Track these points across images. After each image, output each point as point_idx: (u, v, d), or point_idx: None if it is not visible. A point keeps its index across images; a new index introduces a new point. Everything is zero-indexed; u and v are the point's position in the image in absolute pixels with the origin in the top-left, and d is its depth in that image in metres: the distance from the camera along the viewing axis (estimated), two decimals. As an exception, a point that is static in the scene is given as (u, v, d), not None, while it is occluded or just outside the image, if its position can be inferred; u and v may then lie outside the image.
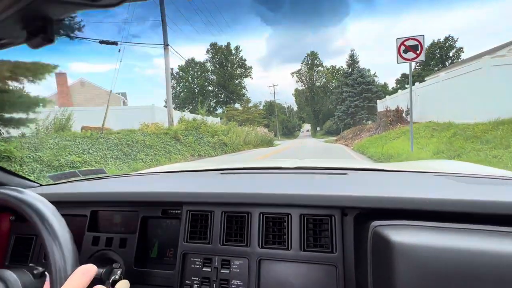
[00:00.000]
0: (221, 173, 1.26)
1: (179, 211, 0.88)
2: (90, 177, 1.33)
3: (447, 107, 10.37)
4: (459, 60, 36.97)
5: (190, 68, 55.20)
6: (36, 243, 0.97)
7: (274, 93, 59.60)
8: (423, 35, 6.44)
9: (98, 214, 0.97)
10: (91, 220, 0.95)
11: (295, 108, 78.10)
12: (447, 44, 43.24)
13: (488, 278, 0.45)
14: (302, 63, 62.67)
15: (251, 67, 56.96)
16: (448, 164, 1.62)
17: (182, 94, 53.94)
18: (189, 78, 55.14)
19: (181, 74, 54.91)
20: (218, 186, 0.97)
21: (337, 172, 1.10)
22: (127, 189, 1.00)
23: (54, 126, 8.56)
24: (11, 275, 0.55)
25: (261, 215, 0.79)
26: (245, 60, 56.74)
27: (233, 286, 0.75)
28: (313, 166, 1.30)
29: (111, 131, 10.10)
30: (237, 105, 55.74)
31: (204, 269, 0.79)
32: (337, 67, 60.61)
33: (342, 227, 0.73)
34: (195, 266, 0.80)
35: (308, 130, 78.59)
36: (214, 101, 55.85)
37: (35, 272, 0.58)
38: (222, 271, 0.77)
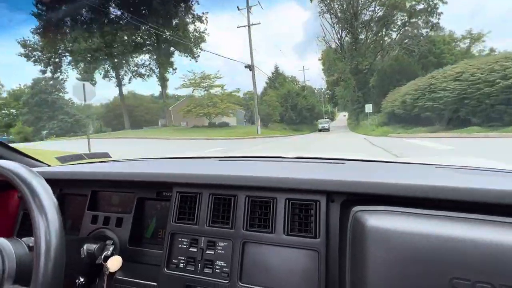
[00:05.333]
0: (220, 160, 1.27)
1: (171, 194, 0.89)
2: (95, 160, 1.40)
3: None
4: None
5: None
6: None
7: (250, 35, 23.73)
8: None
9: (98, 194, 1.02)
10: (91, 199, 1.00)
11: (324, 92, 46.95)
12: None
13: (453, 262, 0.47)
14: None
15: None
16: (464, 159, 1.43)
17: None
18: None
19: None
20: (208, 170, 0.95)
21: (334, 162, 1.08)
22: (124, 170, 1.02)
23: None
24: (7, 244, 0.59)
25: (247, 198, 0.80)
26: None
27: (217, 267, 0.77)
28: (314, 157, 1.24)
29: None
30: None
31: (190, 249, 0.81)
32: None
33: (328, 213, 0.73)
34: (182, 246, 0.82)
35: (345, 115, 47.31)
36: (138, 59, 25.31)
37: (30, 244, 0.62)
38: (207, 251, 0.79)
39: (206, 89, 24.90)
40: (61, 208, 0.65)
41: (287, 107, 29.69)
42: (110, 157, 1.48)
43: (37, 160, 1.12)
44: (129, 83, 27.50)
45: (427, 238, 0.50)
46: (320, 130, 28.74)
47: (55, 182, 0.95)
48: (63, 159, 1.35)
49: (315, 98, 41.94)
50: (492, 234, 0.49)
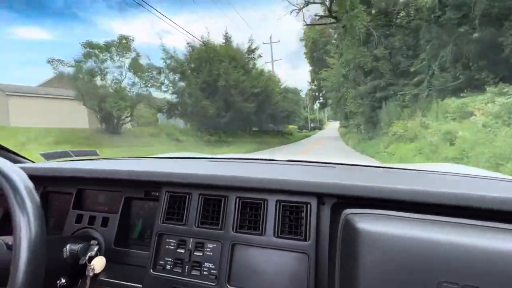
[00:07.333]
0: (210, 161, 1.27)
1: (159, 193, 0.88)
2: (82, 158, 1.34)
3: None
4: None
5: None
6: None
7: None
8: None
9: (83, 192, 0.99)
10: (76, 198, 0.98)
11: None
12: None
13: (441, 266, 0.48)
14: None
15: None
16: (452, 167, 1.45)
17: None
18: None
19: None
20: (199, 170, 0.92)
21: (325, 166, 1.09)
22: (112, 168, 0.98)
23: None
24: None
25: (237, 199, 0.79)
26: None
27: (205, 269, 0.76)
28: (306, 160, 1.27)
29: None
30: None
31: (178, 250, 0.80)
32: None
33: (319, 215, 0.73)
34: (170, 247, 0.81)
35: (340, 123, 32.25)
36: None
37: (9, 243, 0.59)
38: (195, 253, 0.78)
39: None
40: (44, 206, 0.65)
41: (209, 93, 12.82)
42: (98, 155, 1.35)
43: (20, 156, 1.10)
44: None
45: (417, 242, 0.50)
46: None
47: (39, 179, 0.93)
48: (49, 156, 1.23)
49: (290, 91, 25.75)
50: (480, 239, 0.49)
